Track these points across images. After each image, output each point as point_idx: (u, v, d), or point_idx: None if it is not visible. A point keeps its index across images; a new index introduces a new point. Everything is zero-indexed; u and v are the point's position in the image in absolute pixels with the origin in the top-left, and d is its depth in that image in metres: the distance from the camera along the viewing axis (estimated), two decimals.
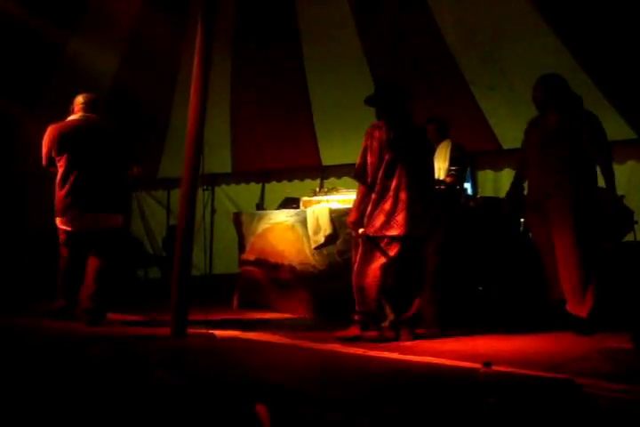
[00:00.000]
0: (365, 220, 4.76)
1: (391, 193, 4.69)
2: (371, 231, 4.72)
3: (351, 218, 4.83)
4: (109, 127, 5.58)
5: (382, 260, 4.71)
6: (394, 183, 4.70)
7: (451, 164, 6.16)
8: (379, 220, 4.69)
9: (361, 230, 4.76)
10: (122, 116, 9.33)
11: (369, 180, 4.75)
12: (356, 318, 4.74)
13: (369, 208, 4.75)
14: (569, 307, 4.79)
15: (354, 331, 4.72)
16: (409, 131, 4.85)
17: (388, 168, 4.71)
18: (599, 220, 4.94)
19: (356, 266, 4.80)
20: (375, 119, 4.87)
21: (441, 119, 6.48)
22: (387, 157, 4.70)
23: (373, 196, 4.74)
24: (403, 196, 4.67)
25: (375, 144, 4.73)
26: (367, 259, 4.76)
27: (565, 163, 4.92)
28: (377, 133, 4.74)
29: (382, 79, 5.10)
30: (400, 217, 4.65)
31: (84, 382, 3.67)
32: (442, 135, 6.35)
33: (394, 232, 4.66)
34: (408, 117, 4.89)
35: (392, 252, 4.70)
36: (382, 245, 4.71)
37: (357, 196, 4.85)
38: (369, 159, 4.74)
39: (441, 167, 6.12)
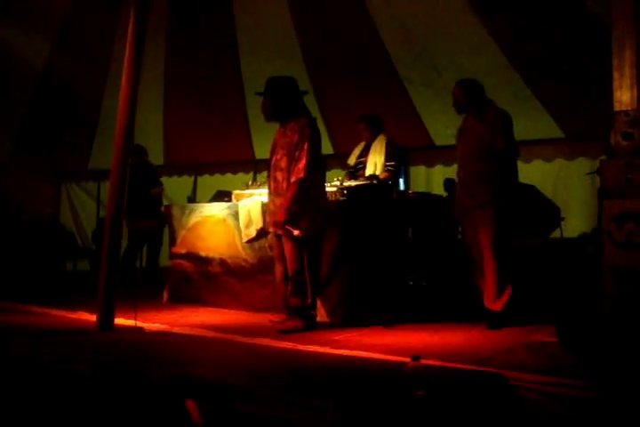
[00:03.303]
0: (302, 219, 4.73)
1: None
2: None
3: (282, 217, 4.70)
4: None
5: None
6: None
7: (386, 159, 6.15)
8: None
9: (297, 232, 4.71)
10: (52, 105, 9.12)
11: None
12: (313, 313, 4.86)
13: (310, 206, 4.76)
14: (485, 301, 4.87)
15: (298, 323, 4.76)
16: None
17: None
18: (520, 216, 5.00)
19: (296, 263, 4.79)
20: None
21: (371, 116, 6.35)
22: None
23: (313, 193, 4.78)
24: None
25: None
26: (314, 254, 4.85)
27: (484, 166, 4.87)
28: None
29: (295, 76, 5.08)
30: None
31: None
32: (375, 131, 6.31)
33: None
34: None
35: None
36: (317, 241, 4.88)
37: (291, 195, 4.69)
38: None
39: (377, 162, 6.10)
